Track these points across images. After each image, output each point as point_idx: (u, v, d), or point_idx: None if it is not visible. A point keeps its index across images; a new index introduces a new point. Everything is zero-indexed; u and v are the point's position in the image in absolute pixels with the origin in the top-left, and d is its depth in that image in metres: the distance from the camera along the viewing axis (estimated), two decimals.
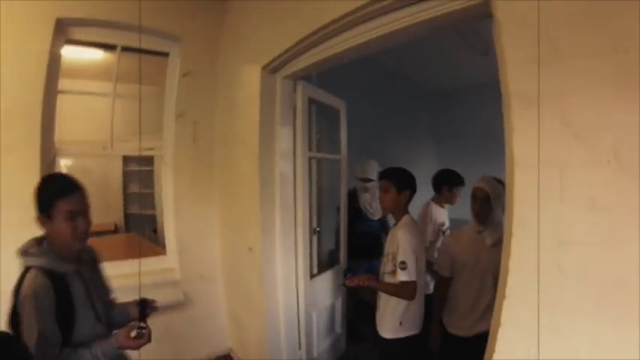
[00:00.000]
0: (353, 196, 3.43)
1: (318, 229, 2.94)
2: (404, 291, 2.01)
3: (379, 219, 3.51)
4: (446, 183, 3.07)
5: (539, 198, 1.21)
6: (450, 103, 6.18)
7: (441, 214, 3.10)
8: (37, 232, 1.36)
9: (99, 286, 1.53)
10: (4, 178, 2.29)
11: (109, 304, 1.58)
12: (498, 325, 1.24)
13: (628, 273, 1.06)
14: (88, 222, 1.37)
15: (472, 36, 3.88)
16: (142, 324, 1.44)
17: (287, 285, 2.71)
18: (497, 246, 1.47)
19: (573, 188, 1.16)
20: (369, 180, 3.37)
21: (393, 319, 2.10)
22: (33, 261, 1.30)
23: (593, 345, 1.10)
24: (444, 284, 2.25)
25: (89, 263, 1.51)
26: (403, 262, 1.99)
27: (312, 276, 2.85)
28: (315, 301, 2.88)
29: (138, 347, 1.41)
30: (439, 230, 3.02)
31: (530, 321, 1.19)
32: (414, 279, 1.99)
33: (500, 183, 2.10)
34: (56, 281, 1.29)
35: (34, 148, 2.42)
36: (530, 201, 1.23)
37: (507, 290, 1.25)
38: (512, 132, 1.28)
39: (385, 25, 1.92)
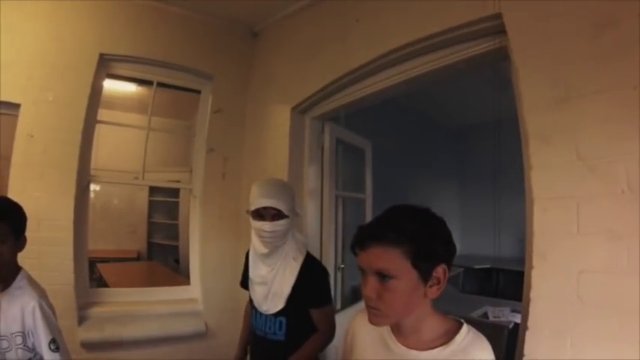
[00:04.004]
0: None
1: (342, 266, 2.93)
2: None
3: None
4: None
5: (558, 230, 1.27)
6: (470, 139, 6.21)
7: None
8: None
9: None
10: (40, 198, 2.41)
11: None
12: (522, 356, 1.27)
13: None
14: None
15: (489, 73, 3.89)
16: None
17: None
18: None
19: (590, 219, 1.21)
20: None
21: None
22: None
23: None
24: None
25: None
26: None
27: (336, 312, 2.82)
28: (338, 335, 2.83)
29: None
30: None
31: (553, 350, 1.22)
32: None
33: None
34: None
35: (71, 173, 2.53)
36: (548, 233, 1.29)
37: (529, 322, 1.28)
38: (530, 169, 1.35)
39: (409, 70, 2.01)
